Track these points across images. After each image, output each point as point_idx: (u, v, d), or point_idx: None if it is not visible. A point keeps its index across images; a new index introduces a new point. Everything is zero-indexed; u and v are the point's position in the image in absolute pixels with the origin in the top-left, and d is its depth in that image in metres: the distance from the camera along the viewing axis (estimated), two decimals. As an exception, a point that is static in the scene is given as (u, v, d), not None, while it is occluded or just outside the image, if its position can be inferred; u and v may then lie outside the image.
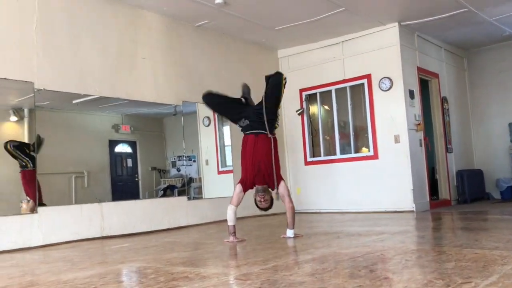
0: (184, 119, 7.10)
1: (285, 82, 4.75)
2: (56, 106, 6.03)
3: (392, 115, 7.50)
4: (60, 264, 3.79)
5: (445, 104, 8.73)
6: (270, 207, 4.61)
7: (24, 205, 5.34)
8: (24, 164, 5.40)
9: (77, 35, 5.81)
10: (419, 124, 7.69)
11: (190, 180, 7.44)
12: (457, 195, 8.64)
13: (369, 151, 7.78)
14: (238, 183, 4.65)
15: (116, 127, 6.89)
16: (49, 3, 5.57)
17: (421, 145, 7.73)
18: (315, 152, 8.51)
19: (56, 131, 5.86)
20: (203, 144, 7.68)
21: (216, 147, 7.95)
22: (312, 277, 2.65)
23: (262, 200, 4.54)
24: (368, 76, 7.78)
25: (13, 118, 5.55)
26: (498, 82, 9.40)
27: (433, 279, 2.41)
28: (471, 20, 7.64)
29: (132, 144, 7.18)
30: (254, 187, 4.61)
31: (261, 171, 4.54)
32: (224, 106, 5.05)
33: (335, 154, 8.19)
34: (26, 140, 5.54)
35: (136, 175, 7.16)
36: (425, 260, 3.07)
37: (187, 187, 7.23)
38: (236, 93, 5.59)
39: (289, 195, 4.63)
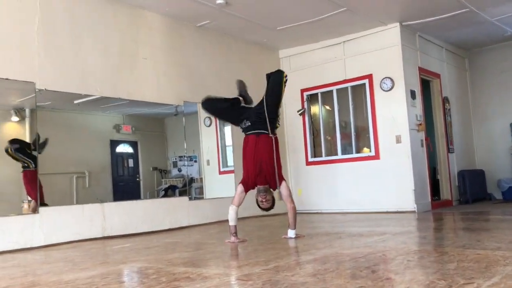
0: (185, 119, 7.11)
1: (286, 80, 4.76)
2: (58, 106, 6.04)
3: (394, 115, 7.49)
4: (61, 265, 3.79)
5: (447, 104, 8.72)
6: (271, 207, 4.61)
7: (26, 205, 5.34)
8: (26, 165, 5.40)
9: (78, 35, 5.81)
10: (420, 124, 7.68)
11: (191, 180, 7.44)
12: (458, 195, 8.63)
13: (370, 151, 7.78)
14: (240, 183, 4.65)
15: (117, 127, 6.89)
16: (51, 4, 5.57)
17: (422, 146, 7.73)
18: (316, 153, 8.51)
19: (58, 131, 5.86)
20: (204, 144, 7.67)
21: (217, 147, 7.95)
22: (314, 278, 2.64)
23: (264, 200, 4.53)
24: (369, 76, 7.77)
25: (15, 118, 5.55)
26: (499, 82, 9.39)
27: (435, 280, 2.40)
28: (472, 20, 7.63)
29: (133, 144, 7.18)
30: (256, 187, 4.61)
31: (262, 171, 4.54)
32: (224, 111, 5.03)
33: (336, 154, 8.18)
34: (27, 140, 5.54)
35: (137, 175, 7.16)
36: (427, 260, 3.07)
37: (188, 187, 7.23)
38: (235, 93, 5.59)
39: (290, 196, 4.63)
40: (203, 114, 7.57)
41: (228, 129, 7.81)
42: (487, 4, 6.99)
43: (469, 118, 9.67)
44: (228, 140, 7.87)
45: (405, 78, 7.46)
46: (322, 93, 8.39)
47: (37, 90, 5.33)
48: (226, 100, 4.96)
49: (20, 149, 5.41)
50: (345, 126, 8.19)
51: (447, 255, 3.19)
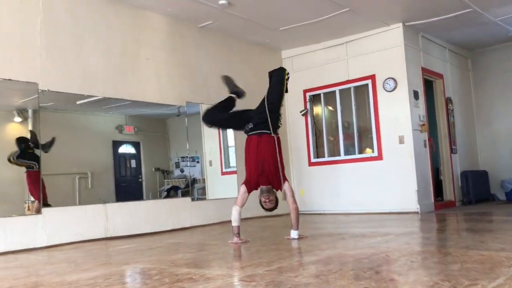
0: (188, 120, 7.10)
1: (288, 78, 4.75)
2: (60, 107, 6.04)
3: (397, 116, 7.48)
4: (64, 265, 3.79)
5: (450, 105, 8.70)
6: (275, 207, 4.60)
7: (29, 206, 5.35)
8: (30, 166, 5.41)
9: (80, 36, 5.81)
10: (423, 124, 7.66)
11: (194, 181, 7.44)
12: (461, 196, 8.61)
13: (373, 152, 7.76)
14: (243, 183, 4.64)
15: (119, 128, 6.90)
16: (53, 5, 5.58)
17: (425, 146, 7.70)
18: (319, 153, 8.49)
19: (60, 132, 5.86)
20: (207, 145, 7.67)
21: (220, 148, 7.95)
22: (317, 279, 2.63)
23: (267, 200, 4.53)
24: (372, 77, 7.75)
25: (17, 119, 5.56)
26: (503, 83, 9.36)
27: (439, 281, 2.39)
28: (475, 20, 7.61)
29: (136, 145, 7.19)
30: (259, 188, 4.60)
31: (264, 171, 4.53)
32: (226, 122, 5.03)
33: (339, 155, 8.17)
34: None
35: (140, 176, 7.16)
36: (430, 261, 3.05)
37: (191, 188, 7.22)
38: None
39: (293, 196, 4.62)
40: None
41: (230, 130, 7.80)
42: (490, 4, 6.97)
43: (472, 119, 9.64)
44: (231, 141, 7.87)
45: (408, 78, 7.45)
46: (324, 93, 8.38)
47: (39, 91, 5.34)
48: (223, 106, 4.88)
49: (22, 154, 5.40)
50: (348, 127, 8.18)
51: (451, 256, 3.18)
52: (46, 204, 5.31)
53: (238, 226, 4.59)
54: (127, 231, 5.92)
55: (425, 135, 7.71)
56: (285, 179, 4.60)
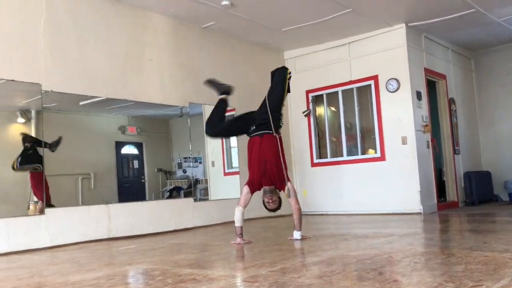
0: (190, 120, 7.11)
1: (290, 77, 4.74)
2: (63, 107, 6.06)
3: (399, 117, 7.47)
4: (67, 266, 3.79)
5: (453, 106, 8.68)
6: (278, 208, 4.60)
7: (32, 206, 5.36)
8: (35, 168, 5.41)
9: (84, 37, 5.82)
10: (426, 125, 7.64)
11: (196, 181, 7.44)
12: (464, 197, 8.59)
13: (376, 152, 7.75)
14: (246, 184, 4.64)
15: (122, 129, 6.91)
16: (56, 6, 5.59)
17: (428, 147, 7.69)
18: (321, 154, 8.49)
19: (63, 133, 5.87)
20: (209, 145, 7.68)
21: (222, 148, 7.95)
22: (321, 280, 2.63)
23: (270, 201, 4.52)
24: (375, 77, 7.75)
25: (21, 119, 5.57)
26: (506, 83, 9.34)
27: (443, 282, 2.38)
28: (479, 21, 7.60)
29: (139, 146, 7.20)
30: (262, 189, 4.60)
31: (267, 172, 4.53)
32: (230, 130, 5.03)
33: (341, 155, 8.16)
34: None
35: (143, 177, 7.17)
36: (434, 262, 3.05)
37: (193, 189, 7.23)
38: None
39: (295, 197, 4.61)
40: (208, 115, 7.57)
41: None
42: (493, 5, 6.96)
43: (475, 119, 9.62)
44: (233, 142, 7.86)
45: (411, 79, 7.44)
46: (327, 94, 8.37)
47: (43, 91, 5.34)
48: (218, 112, 4.81)
49: (24, 160, 5.41)
50: (351, 128, 8.17)
51: (454, 257, 3.17)
52: (50, 205, 5.32)
53: (241, 227, 4.59)
54: (130, 232, 5.93)
55: (428, 136, 7.70)
56: (288, 179, 4.60)
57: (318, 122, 8.57)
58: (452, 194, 8.42)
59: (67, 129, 6.14)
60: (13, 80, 5.10)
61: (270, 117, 4.56)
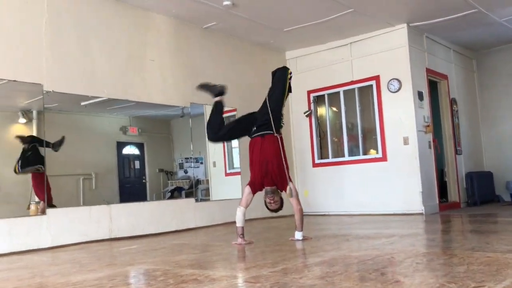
0: (192, 121, 7.10)
1: (291, 77, 4.75)
2: (65, 108, 6.06)
3: (401, 117, 7.46)
4: (69, 266, 3.79)
5: (454, 106, 8.67)
6: (280, 208, 4.59)
7: (33, 207, 5.36)
8: (37, 169, 5.41)
9: (85, 37, 5.82)
10: (428, 125, 7.63)
11: (198, 182, 7.44)
12: (466, 197, 8.57)
13: (377, 153, 7.74)
14: (247, 184, 4.63)
15: (124, 129, 6.91)
16: (58, 6, 5.59)
17: (430, 147, 7.68)
18: (323, 154, 8.48)
19: (65, 133, 5.87)
20: (211, 146, 7.67)
21: (224, 149, 7.95)
22: (322, 280, 2.62)
23: (272, 201, 4.52)
24: (376, 78, 7.74)
25: (22, 120, 5.57)
26: (508, 84, 9.32)
27: (446, 283, 2.38)
28: (480, 21, 7.58)
29: (140, 146, 7.20)
30: (263, 189, 4.59)
31: (268, 172, 4.52)
32: (232, 133, 4.99)
33: (343, 156, 8.15)
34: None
35: (144, 177, 7.17)
36: (436, 263, 3.04)
37: (195, 189, 7.23)
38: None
39: (297, 197, 4.61)
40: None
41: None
42: (495, 5, 6.95)
43: (477, 120, 9.61)
44: (235, 142, 7.86)
45: (413, 79, 7.42)
46: (328, 94, 8.36)
47: (44, 92, 5.35)
48: (215, 115, 4.77)
49: (25, 162, 5.40)
50: (352, 128, 8.16)
51: (456, 257, 3.16)
52: (51, 205, 5.32)
53: (242, 227, 4.59)
54: (131, 232, 5.93)
55: (429, 136, 7.68)
56: (289, 180, 4.59)
57: (320, 122, 8.56)
58: (454, 194, 8.40)
59: (69, 129, 6.14)
60: (14, 81, 5.10)
61: (271, 117, 4.56)
